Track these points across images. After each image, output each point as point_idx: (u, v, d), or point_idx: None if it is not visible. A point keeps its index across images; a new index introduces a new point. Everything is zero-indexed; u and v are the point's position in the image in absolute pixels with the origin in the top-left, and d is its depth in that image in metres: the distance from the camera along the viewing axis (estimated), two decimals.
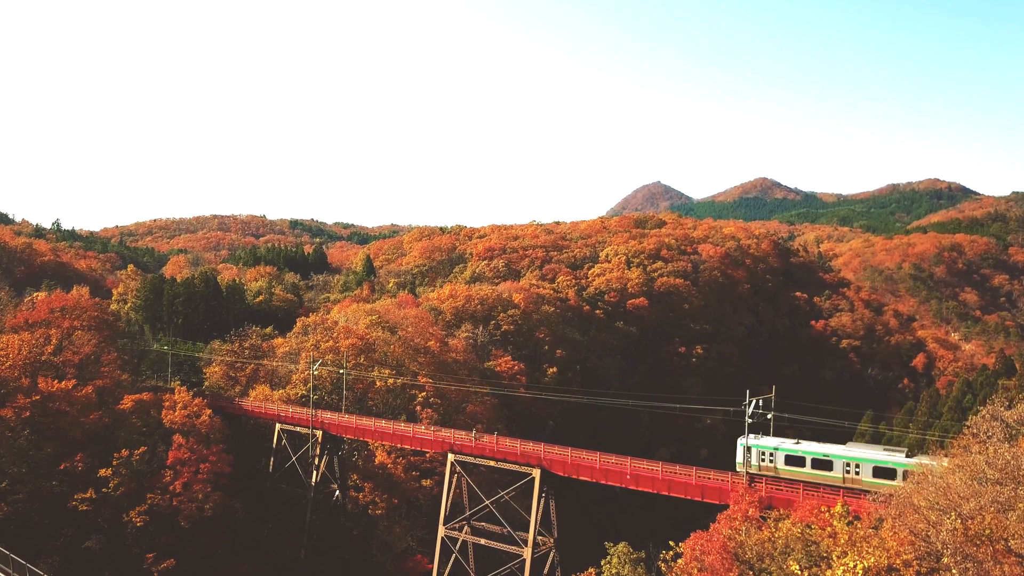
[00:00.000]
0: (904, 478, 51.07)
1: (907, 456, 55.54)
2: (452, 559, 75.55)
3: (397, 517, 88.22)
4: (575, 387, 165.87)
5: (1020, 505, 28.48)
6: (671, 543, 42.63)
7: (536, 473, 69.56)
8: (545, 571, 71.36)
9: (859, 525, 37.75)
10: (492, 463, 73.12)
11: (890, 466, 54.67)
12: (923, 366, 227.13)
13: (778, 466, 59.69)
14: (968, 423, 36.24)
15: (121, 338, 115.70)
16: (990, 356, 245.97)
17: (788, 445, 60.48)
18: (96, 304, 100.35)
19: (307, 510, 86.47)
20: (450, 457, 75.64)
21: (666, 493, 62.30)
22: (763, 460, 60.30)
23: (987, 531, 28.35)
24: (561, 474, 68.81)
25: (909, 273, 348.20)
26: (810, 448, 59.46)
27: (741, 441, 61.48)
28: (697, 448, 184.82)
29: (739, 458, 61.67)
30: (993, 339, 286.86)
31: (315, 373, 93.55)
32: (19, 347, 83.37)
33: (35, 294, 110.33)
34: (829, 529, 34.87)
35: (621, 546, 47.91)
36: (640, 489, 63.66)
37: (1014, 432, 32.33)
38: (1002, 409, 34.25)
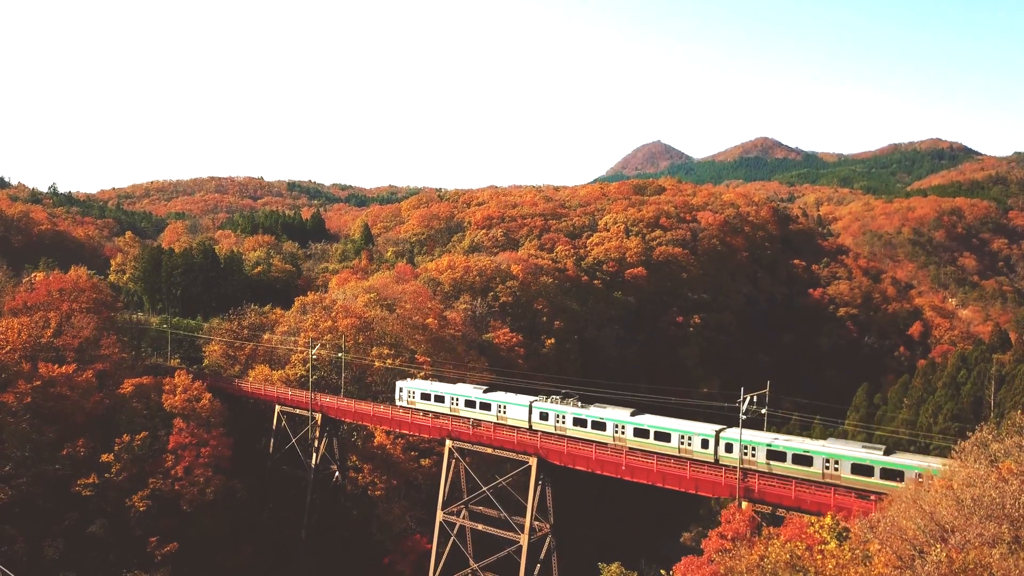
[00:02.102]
0: (503, 410, 75.86)
1: (487, 391, 79.04)
2: (450, 542, 76.88)
3: (396, 497, 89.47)
4: (573, 358, 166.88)
5: (1005, 540, 29.05)
6: (662, 572, 43.42)
7: (533, 461, 70.47)
8: (542, 556, 72.68)
9: (849, 538, 38.43)
10: (489, 450, 74.01)
11: (483, 401, 77.62)
12: (919, 334, 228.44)
13: (416, 402, 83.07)
14: (956, 448, 36.73)
15: (121, 311, 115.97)
16: (987, 324, 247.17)
17: (423, 385, 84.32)
18: (94, 285, 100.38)
19: (307, 491, 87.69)
20: (448, 443, 76.54)
21: (660, 485, 63.21)
22: (411, 397, 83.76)
23: (971, 565, 28.93)
24: (557, 463, 69.70)
25: (908, 238, 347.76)
26: (435, 387, 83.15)
27: (398, 383, 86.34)
28: (694, 417, 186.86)
29: (396, 396, 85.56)
30: (990, 305, 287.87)
31: (314, 354, 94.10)
32: (19, 331, 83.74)
33: (34, 274, 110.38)
34: (819, 547, 35.53)
35: (614, 567, 48.76)
36: (635, 480, 64.53)
37: (995, 459, 32.79)
38: (989, 436, 34.70)
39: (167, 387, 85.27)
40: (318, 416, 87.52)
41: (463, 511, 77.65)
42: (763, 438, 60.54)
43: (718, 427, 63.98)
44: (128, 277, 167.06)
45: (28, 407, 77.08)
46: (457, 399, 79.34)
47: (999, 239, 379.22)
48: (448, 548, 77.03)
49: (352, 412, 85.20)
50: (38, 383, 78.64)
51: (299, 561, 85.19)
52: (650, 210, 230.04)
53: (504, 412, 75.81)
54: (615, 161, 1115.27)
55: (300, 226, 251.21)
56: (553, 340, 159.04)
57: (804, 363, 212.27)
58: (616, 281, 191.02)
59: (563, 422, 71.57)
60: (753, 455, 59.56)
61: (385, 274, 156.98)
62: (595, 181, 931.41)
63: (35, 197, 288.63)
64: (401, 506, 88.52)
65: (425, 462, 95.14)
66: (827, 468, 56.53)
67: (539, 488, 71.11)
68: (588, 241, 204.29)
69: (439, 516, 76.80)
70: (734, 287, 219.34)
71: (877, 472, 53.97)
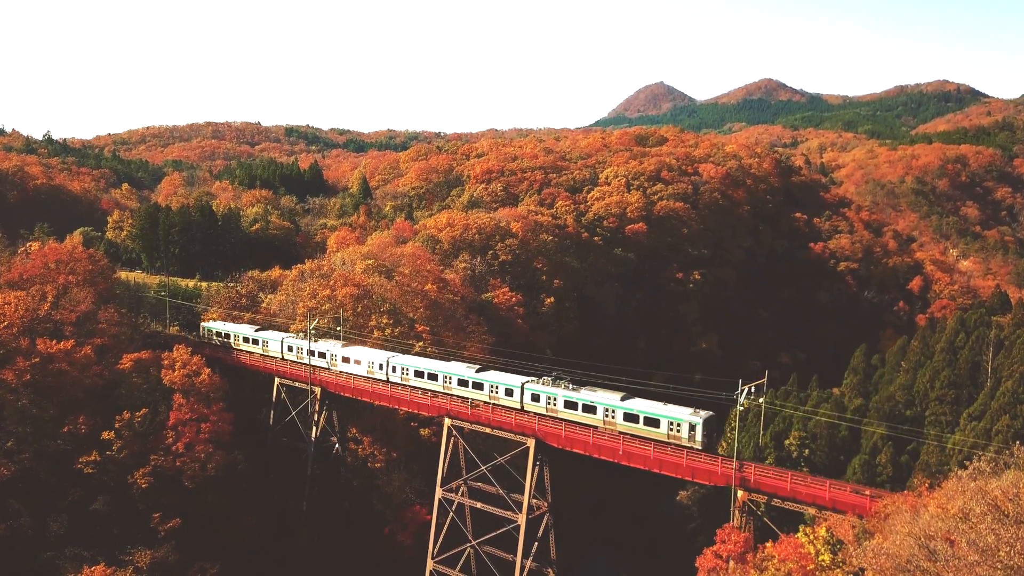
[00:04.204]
0: (266, 345, 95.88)
1: (258, 330, 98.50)
2: (448, 518, 77.84)
3: (396, 468, 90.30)
4: (572, 316, 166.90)
5: None
6: None
7: (531, 442, 70.87)
8: (539, 534, 73.62)
9: (843, 548, 38.72)
10: (487, 430, 74.35)
11: (253, 337, 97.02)
12: (919, 289, 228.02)
13: (214, 339, 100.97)
14: (955, 471, 36.64)
15: (117, 276, 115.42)
16: (987, 278, 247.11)
17: (217, 326, 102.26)
18: (90, 255, 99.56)
19: (308, 463, 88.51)
20: (447, 422, 76.90)
21: (657, 471, 63.62)
22: (208, 334, 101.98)
23: None
24: (555, 446, 70.08)
25: (911, 187, 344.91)
26: (224, 327, 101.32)
27: (202, 324, 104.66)
28: (692, 372, 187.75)
29: (201, 332, 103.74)
30: (991, 256, 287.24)
31: (312, 329, 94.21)
32: (16, 306, 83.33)
33: (29, 243, 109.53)
34: (813, 566, 35.81)
35: None
36: (632, 466, 64.93)
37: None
38: (986, 467, 34.56)
39: (166, 362, 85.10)
40: (317, 390, 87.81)
41: (462, 488, 78.40)
42: (411, 361, 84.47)
43: (390, 354, 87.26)
44: (126, 235, 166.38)
45: (28, 384, 77.16)
46: (238, 336, 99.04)
47: (1003, 188, 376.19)
48: (447, 524, 78.02)
49: (351, 388, 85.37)
50: (36, 360, 78.46)
51: (300, 532, 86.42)
52: (651, 163, 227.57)
53: (267, 346, 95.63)
54: (617, 103, 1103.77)
55: (298, 177, 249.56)
56: (552, 299, 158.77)
57: (803, 318, 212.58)
58: (616, 237, 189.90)
59: (301, 353, 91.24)
60: (407, 374, 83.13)
61: (384, 234, 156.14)
62: (596, 124, 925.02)
63: (29, 146, 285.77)
64: (401, 477, 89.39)
65: (424, 432, 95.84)
66: (446, 382, 79.59)
67: (537, 468, 71.67)
68: (589, 196, 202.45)
69: (438, 493, 77.59)
70: (735, 241, 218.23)
71: (470, 384, 77.83)
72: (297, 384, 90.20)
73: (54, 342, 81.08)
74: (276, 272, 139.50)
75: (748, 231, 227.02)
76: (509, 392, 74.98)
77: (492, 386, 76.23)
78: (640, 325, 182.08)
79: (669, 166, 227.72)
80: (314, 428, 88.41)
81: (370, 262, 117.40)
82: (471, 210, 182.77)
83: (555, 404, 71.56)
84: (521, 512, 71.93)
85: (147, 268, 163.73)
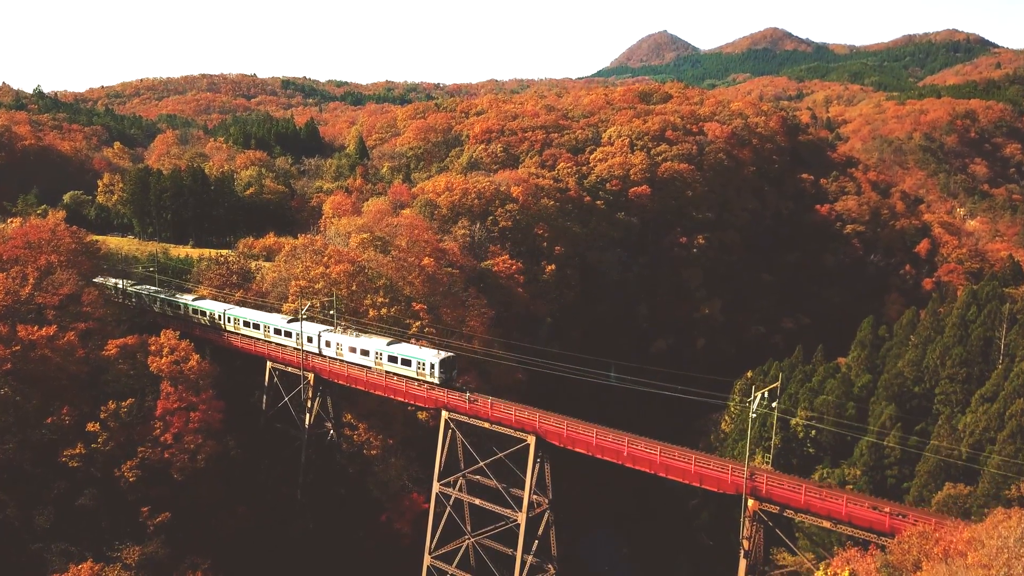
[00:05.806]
0: (124, 294, 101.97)
1: (134, 284, 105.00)
2: (446, 513, 75.60)
3: (393, 453, 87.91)
4: (573, 283, 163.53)
5: None
6: None
7: (531, 440, 68.17)
8: (540, 532, 71.41)
9: None
10: (487, 425, 71.60)
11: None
12: (927, 252, 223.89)
13: (108, 291, 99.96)
14: (993, 518, 33.73)
15: (104, 250, 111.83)
16: (995, 241, 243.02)
17: (111, 281, 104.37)
18: (73, 232, 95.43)
19: (302, 450, 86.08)
20: (444, 415, 74.15)
21: (663, 476, 61.03)
22: (107, 290, 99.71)
23: None
24: (556, 444, 67.41)
25: (919, 144, 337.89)
26: (112, 281, 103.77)
27: (96, 279, 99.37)
28: (694, 338, 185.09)
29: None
30: (999, 216, 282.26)
31: (307, 298, 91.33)
32: None
33: (10, 220, 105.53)
34: None
35: None
36: (637, 469, 62.30)
37: None
38: (1017, 531, 31.47)
39: (153, 347, 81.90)
40: (310, 376, 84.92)
41: (460, 482, 75.94)
42: (242, 313, 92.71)
43: (227, 306, 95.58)
44: (116, 199, 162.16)
45: (9, 372, 74.22)
46: (123, 289, 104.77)
47: (1012, 144, 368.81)
48: (445, 518, 75.81)
49: (345, 376, 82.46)
50: (17, 347, 75.40)
51: (295, 520, 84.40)
52: (656, 121, 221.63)
53: (141, 299, 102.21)
54: (619, 52, 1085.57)
55: (294, 135, 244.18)
56: (553, 266, 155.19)
57: (808, 282, 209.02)
58: (619, 201, 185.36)
59: (165, 306, 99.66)
60: (238, 324, 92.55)
61: (380, 200, 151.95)
62: (598, 74, 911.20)
63: (19, 101, 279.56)
64: (398, 464, 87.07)
65: (422, 415, 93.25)
66: (266, 331, 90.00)
67: (538, 465, 69.11)
68: (591, 157, 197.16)
69: (435, 488, 75.19)
70: (739, 203, 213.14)
71: (283, 332, 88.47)
72: (290, 369, 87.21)
73: (36, 328, 77.86)
74: (270, 239, 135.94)
75: (753, 192, 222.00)
76: (310, 339, 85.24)
77: (298, 335, 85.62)
78: (642, 291, 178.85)
79: (674, 125, 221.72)
80: (308, 414, 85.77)
81: (365, 236, 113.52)
82: (470, 172, 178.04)
83: (342, 349, 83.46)
84: (521, 511, 69.58)
85: (139, 234, 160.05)
